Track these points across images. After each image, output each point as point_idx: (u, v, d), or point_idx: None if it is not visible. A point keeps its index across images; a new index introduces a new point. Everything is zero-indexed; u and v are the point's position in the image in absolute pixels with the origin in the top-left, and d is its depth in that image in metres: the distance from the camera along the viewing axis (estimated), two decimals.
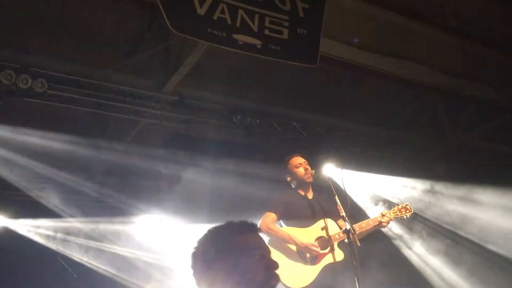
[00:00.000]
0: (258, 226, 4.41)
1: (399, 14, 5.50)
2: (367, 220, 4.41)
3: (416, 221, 6.81)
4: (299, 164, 4.64)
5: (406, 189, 6.86)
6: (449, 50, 6.04)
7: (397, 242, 7.01)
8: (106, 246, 8.30)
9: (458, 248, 6.80)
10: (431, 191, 6.98)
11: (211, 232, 1.97)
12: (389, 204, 5.10)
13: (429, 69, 6.11)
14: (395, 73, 5.92)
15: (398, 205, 4.57)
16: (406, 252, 7.09)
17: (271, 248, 4.32)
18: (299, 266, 4.17)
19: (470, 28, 5.92)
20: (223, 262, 1.82)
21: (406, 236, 6.95)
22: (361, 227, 4.29)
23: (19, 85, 4.93)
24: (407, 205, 4.58)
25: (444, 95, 6.85)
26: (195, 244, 1.96)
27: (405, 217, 4.51)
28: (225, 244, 1.88)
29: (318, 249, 4.16)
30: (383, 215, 4.42)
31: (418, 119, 7.54)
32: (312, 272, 4.17)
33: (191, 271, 1.91)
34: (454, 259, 6.79)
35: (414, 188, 6.93)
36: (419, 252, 7.01)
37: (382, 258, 6.51)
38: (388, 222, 4.42)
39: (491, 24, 5.92)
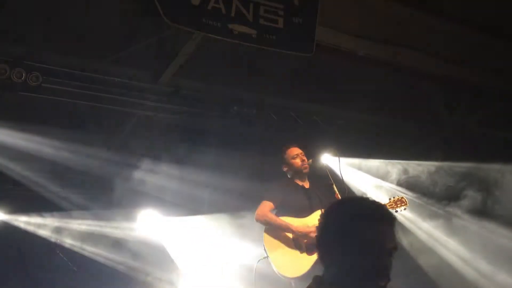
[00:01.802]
0: (255, 215, 4.43)
1: (395, 1, 5.46)
2: None
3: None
4: (295, 155, 4.65)
5: (403, 177, 6.87)
6: (445, 36, 6.00)
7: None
8: (107, 239, 8.32)
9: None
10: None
11: (344, 203, 1.96)
12: (386, 192, 5.10)
13: (425, 55, 6.09)
14: (392, 61, 5.90)
15: (394, 197, 4.56)
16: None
17: (267, 236, 4.37)
18: (295, 255, 4.19)
19: (466, 14, 5.88)
20: (361, 229, 1.75)
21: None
22: None
23: (13, 79, 4.90)
24: (402, 197, 4.56)
25: (441, 81, 6.83)
26: (323, 216, 1.90)
27: (400, 210, 4.50)
28: (363, 212, 1.80)
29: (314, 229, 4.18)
30: None
31: (415, 106, 7.52)
32: (307, 261, 4.19)
33: (318, 243, 1.87)
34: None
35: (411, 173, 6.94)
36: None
37: None
38: None
39: (488, 9, 5.88)
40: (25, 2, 4.84)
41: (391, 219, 1.84)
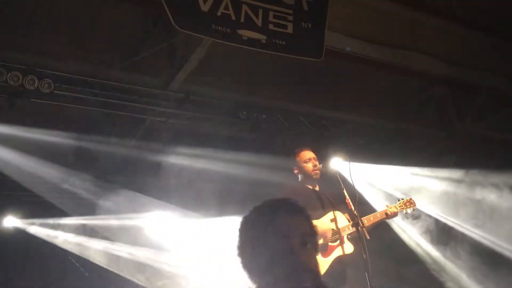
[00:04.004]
0: None
1: (404, 5, 5.45)
2: (374, 213, 4.45)
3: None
4: (308, 159, 4.63)
5: (414, 181, 6.79)
6: (456, 40, 5.98)
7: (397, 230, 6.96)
8: (116, 244, 8.36)
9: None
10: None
11: (247, 217, 1.71)
12: (396, 197, 5.10)
13: (435, 59, 6.07)
14: (401, 65, 5.89)
15: (402, 199, 4.64)
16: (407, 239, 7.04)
17: None
18: None
19: (477, 17, 5.86)
20: (257, 256, 1.59)
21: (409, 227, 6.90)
22: (369, 220, 4.32)
23: (26, 86, 4.97)
24: (411, 199, 4.65)
25: (451, 85, 6.80)
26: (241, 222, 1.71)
27: (409, 210, 4.59)
28: (259, 235, 1.60)
29: (329, 237, 4.17)
30: (388, 208, 4.48)
31: (426, 110, 7.48)
32: (322, 264, 4.17)
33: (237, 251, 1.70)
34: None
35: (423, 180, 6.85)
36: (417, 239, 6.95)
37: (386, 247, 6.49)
38: (394, 215, 4.49)
39: (498, 13, 5.85)
40: (38, 11, 4.91)
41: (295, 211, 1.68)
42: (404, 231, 6.73)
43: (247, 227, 1.68)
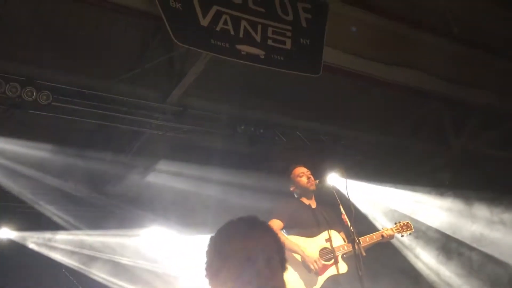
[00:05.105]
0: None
1: (401, 23, 5.51)
2: (371, 234, 4.45)
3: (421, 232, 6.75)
4: (301, 173, 4.64)
5: (411, 199, 6.81)
6: (453, 58, 6.04)
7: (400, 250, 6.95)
8: (111, 258, 8.30)
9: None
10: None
11: (215, 236, 1.83)
12: (393, 214, 5.09)
13: (432, 77, 6.11)
14: (398, 82, 5.92)
15: (399, 222, 4.64)
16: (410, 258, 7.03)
17: None
18: (303, 277, 4.14)
19: (473, 35, 5.92)
20: (227, 271, 1.67)
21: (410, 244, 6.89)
22: (365, 241, 4.32)
23: (24, 97, 4.96)
24: (408, 222, 4.64)
25: (448, 102, 6.84)
26: (208, 242, 1.83)
27: (405, 234, 4.59)
28: (227, 250, 1.71)
29: (320, 265, 4.13)
30: (385, 231, 4.49)
31: (422, 127, 7.51)
32: (315, 283, 4.15)
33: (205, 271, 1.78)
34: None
35: (419, 198, 6.87)
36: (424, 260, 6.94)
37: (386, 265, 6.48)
38: (390, 237, 4.49)
39: (494, 31, 5.92)
40: (37, 23, 4.93)
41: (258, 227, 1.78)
42: (413, 252, 6.73)
43: (213, 246, 1.76)
